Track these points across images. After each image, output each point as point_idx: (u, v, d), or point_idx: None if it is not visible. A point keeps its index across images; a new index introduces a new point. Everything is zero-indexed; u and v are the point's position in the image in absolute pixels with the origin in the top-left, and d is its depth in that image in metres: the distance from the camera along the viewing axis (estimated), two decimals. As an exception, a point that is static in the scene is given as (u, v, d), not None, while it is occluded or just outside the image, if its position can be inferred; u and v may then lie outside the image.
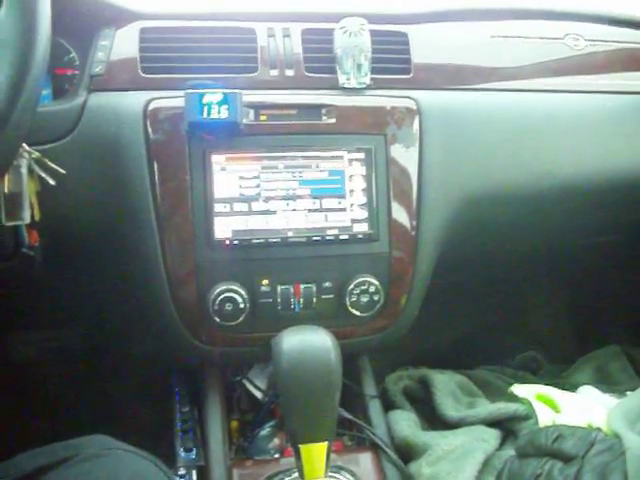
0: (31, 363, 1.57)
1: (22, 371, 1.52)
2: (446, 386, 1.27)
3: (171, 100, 1.06)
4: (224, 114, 1.01)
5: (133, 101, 1.07)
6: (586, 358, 1.57)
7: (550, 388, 1.21)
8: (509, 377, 1.49)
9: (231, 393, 1.25)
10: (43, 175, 0.96)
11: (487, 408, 1.16)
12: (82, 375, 1.54)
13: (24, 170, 0.92)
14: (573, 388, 1.33)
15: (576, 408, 1.14)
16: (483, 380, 1.42)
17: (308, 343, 0.90)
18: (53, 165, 0.97)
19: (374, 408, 1.18)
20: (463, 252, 1.39)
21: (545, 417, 1.11)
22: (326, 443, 0.90)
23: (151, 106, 1.06)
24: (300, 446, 0.90)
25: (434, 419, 1.21)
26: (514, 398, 1.20)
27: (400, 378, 1.33)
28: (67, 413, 1.39)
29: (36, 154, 0.95)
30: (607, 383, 1.43)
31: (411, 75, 1.19)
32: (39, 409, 1.44)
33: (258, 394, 1.23)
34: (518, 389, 1.22)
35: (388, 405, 1.24)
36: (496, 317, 1.85)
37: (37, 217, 0.96)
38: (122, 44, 1.12)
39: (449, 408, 1.20)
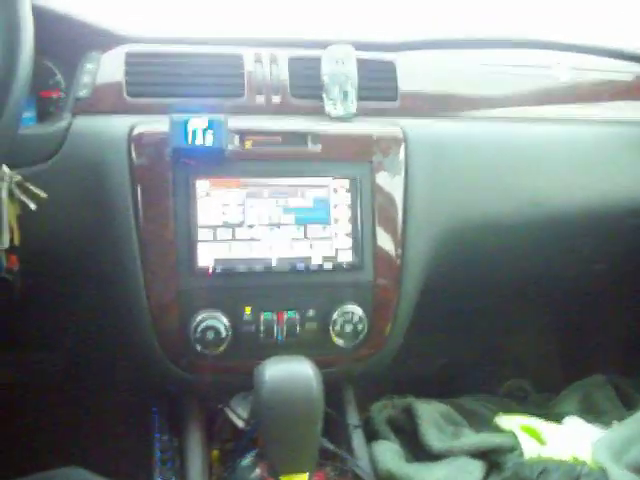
0: (8, 386, 1.54)
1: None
2: (430, 416, 1.25)
3: (156, 125, 1.05)
4: (209, 140, 1.00)
5: (118, 125, 1.06)
6: (572, 388, 1.56)
7: (535, 419, 1.20)
8: (495, 406, 1.47)
9: (212, 421, 1.23)
10: (24, 199, 0.94)
11: (472, 439, 1.15)
12: (61, 401, 1.50)
13: (4, 193, 0.91)
14: (559, 418, 1.32)
15: (561, 440, 1.13)
16: (468, 409, 1.41)
17: (290, 373, 0.89)
18: (34, 189, 0.96)
19: (357, 439, 1.17)
20: (449, 280, 1.38)
21: (530, 449, 1.09)
22: (307, 474, 0.89)
23: (136, 130, 1.05)
24: (281, 477, 0.89)
25: (418, 450, 1.20)
26: (499, 429, 1.18)
27: (384, 407, 1.31)
28: (44, 439, 1.36)
29: (17, 177, 0.93)
30: (593, 413, 1.42)
31: (398, 103, 1.19)
32: (15, 435, 1.41)
33: (240, 423, 1.21)
34: (503, 420, 1.20)
35: (372, 435, 1.22)
36: (483, 345, 1.83)
37: (17, 241, 0.95)
38: (108, 68, 1.11)
39: (433, 439, 1.18)
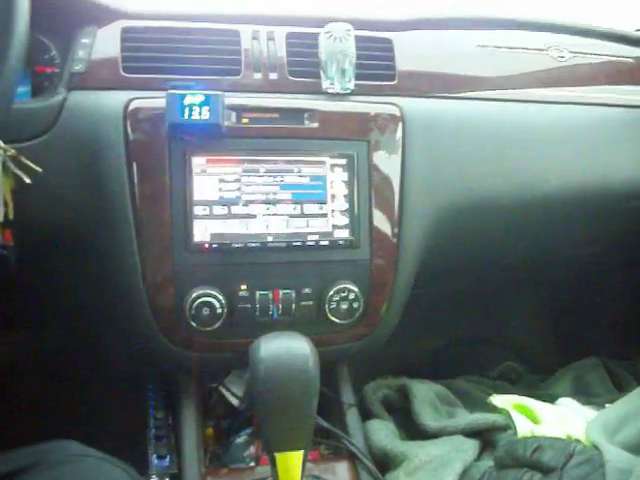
0: (4, 364, 1.53)
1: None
2: (425, 395, 1.25)
3: (152, 100, 1.04)
4: (205, 116, 1.00)
5: (113, 100, 1.05)
6: (565, 369, 1.56)
7: (529, 399, 1.20)
8: (488, 387, 1.48)
9: (207, 399, 1.23)
10: (19, 173, 0.94)
11: (466, 418, 1.15)
12: (56, 378, 1.50)
13: (-2, 167, 0.91)
14: (551, 399, 1.32)
15: (555, 419, 1.14)
16: (462, 390, 1.41)
17: (286, 350, 0.88)
18: (29, 163, 0.95)
19: (352, 417, 1.17)
20: (444, 261, 1.38)
21: (524, 428, 1.10)
22: (302, 452, 0.89)
23: (132, 106, 1.04)
24: (276, 454, 0.89)
25: (412, 429, 1.20)
26: (493, 408, 1.19)
27: (379, 387, 1.31)
28: (40, 416, 1.36)
29: (12, 151, 0.93)
30: (585, 395, 1.43)
31: (395, 82, 1.19)
32: (10, 410, 1.40)
33: (235, 401, 1.21)
34: (497, 399, 1.21)
35: (366, 414, 1.23)
36: (476, 327, 1.84)
37: (11, 216, 0.94)
38: (104, 43, 1.10)
39: (428, 418, 1.18)
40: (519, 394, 1.32)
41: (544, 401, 1.25)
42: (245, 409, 1.20)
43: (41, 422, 1.22)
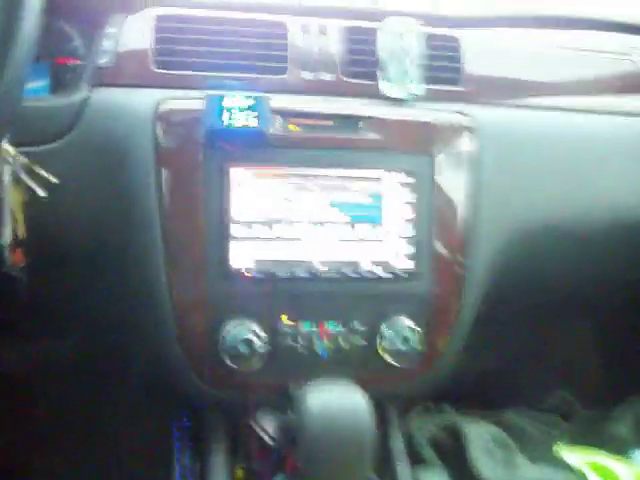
0: (14, 376, 1.43)
1: (7, 383, 1.39)
2: (479, 439, 1.15)
3: (187, 102, 0.93)
4: (249, 122, 0.89)
5: (143, 100, 0.94)
6: (624, 407, 1.44)
7: (604, 456, 1.07)
8: (542, 424, 1.37)
9: (236, 436, 1.11)
10: (31, 184, 0.82)
11: (530, 474, 1.03)
12: (71, 396, 1.40)
13: (7, 178, 0.79)
14: (613, 441, 1.22)
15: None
16: (516, 427, 1.30)
17: (337, 407, 0.78)
18: (44, 172, 0.84)
19: (402, 467, 1.05)
20: (506, 288, 1.26)
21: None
22: None
23: (163, 107, 0.93)
24: None
25: (466, 476, 1.09)
26: (562, 462, 1.06)
27: (425, 424, 1.21)
28: (53, 435, 1.25)
29: (23, 159, 0.81)
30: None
31: (463, 87, 1.06)
32: (18, 426, 1.30)
33: (268, 439, 1.09)
34: (570, 457, 1.08)
35: (414, 456, 1.11)
36: (525, 353, 1.72)
37: (21, 234, 0.82)
38: (134, 33, 0.99)
39: (485, 467, 1.08)
40: (575, 431, 1.22)
41: (611, 447, 1.13)
42: (278, 450, 1.09)
43: (53, 442, 1.12)
